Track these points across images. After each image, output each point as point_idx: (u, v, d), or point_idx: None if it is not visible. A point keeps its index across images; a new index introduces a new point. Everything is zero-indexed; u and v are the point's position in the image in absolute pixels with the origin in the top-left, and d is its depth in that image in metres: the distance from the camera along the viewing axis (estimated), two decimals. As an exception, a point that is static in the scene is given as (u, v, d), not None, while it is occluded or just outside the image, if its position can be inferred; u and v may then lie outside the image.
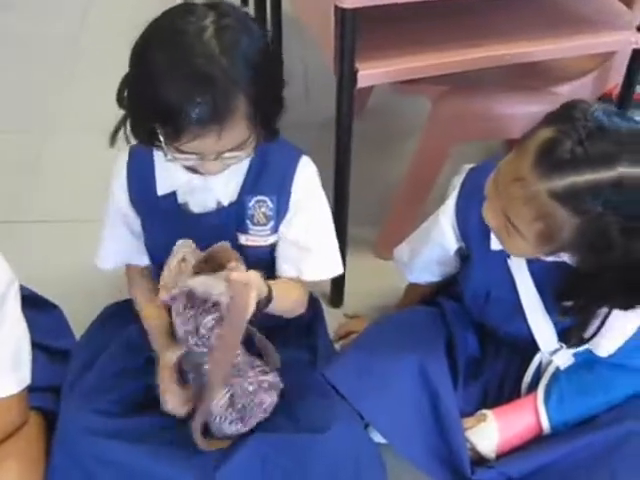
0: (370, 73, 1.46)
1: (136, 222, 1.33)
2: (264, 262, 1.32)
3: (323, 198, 1.34)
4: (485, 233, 1.27)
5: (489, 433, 1.32)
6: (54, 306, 1.53)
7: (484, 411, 1.35)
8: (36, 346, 1.30)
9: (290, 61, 2.38)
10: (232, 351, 1.14)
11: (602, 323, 1.24)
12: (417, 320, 1.46)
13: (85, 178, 2.15)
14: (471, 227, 1.32)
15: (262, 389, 1.24)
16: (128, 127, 1.16)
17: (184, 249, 1.17)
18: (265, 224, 1.29)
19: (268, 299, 1.17)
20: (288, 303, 1.30)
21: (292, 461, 1.20)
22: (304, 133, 2.04)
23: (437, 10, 1.54)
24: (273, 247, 1.32)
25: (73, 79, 2.64)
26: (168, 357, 1.23)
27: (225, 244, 1.17)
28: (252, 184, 1.27)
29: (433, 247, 1.42)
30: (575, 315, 1.25)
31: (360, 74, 1.45)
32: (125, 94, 1.13)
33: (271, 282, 1.21)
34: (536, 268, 1.27)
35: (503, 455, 1.31)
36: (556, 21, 1.64)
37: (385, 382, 1.32)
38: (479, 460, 1.32)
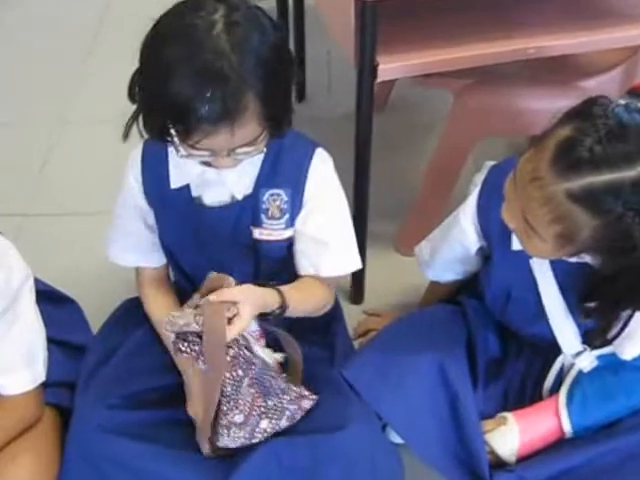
0: (391, 67, 1.44)
1: (150, 215, 1.32)
2: (280, 257, 1.31)
3: (340, 191, 1.32)
4: (506, 233, 1.24)
5: (510, 437, 1.29)
6: (71, 301, 1.52)
7: (505, 414, 1.32)
8: (52, 341, 1.30)
9: (313, 53, 2.38)
10: (217, 371, 1.13)
11: (625, 324, 1.21)
12: (437, 319, 1.45)
13: (97, 171, 2.16)
14: (492, 226, 1.29)
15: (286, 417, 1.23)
16: (141, 122, 1.14)
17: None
18: (279, 218, 1.27)
19: (282, 307, 1.17)
20: (313, 302, 1.29)
21: (308, 461, 1.18)
22: (326, 125, 2.03)
23: (460, 3, 1.51)
24: (290, 242, 1.30)
25: (85, 72, 2.65)
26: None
27: (211, 274, 1.16)
28: (267, 177, 1.25)
29: (454, 245, 1.40)
30: (598, 317, 1.22)
31: (380, 68, 1.42)
32: (136, 89, 1.12)
33: (289, 286, 1.21)
34: (559, 269, 1.24)
35: (523, 459, 1.29)
36: (583, 14, 1.60)
37: (403, 382, 1.31)
38: (499, 463, 1.30)
